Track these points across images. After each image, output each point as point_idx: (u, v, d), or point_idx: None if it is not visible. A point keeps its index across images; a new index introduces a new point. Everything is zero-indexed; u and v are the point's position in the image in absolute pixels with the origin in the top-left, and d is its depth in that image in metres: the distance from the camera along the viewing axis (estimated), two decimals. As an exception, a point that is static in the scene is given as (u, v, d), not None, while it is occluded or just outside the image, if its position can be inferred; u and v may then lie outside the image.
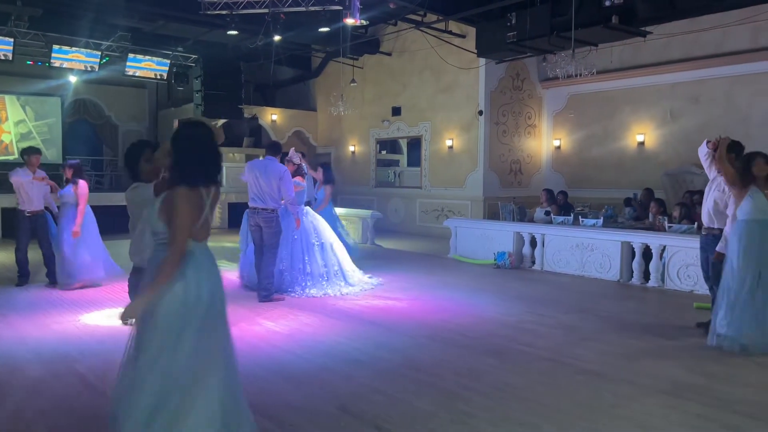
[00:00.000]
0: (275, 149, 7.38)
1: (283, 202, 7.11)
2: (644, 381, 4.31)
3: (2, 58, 13.15)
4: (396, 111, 15.82)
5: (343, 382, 4.27)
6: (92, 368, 4.55)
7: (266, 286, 6.96)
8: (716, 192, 5.38)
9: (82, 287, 7.59)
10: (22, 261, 7.86)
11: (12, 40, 13.08)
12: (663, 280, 7.97)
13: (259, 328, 5.73)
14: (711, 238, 5.48)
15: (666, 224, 8.18)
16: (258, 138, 18.49)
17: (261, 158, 7.48)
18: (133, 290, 3.44)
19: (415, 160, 15.85)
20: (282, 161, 7.41)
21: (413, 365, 4.64)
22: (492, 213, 13.41)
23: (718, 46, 11.53)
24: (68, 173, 7.64)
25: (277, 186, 6.92)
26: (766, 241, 4.98)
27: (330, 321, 6.09)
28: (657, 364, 4.71)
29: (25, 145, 16.63)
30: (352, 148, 17.35)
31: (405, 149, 16.63)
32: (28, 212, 7.74)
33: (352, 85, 14.91)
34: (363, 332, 5.64)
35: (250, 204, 7.07)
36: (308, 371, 4.49)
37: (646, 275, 8.16)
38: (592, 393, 4.07)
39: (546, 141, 14.95)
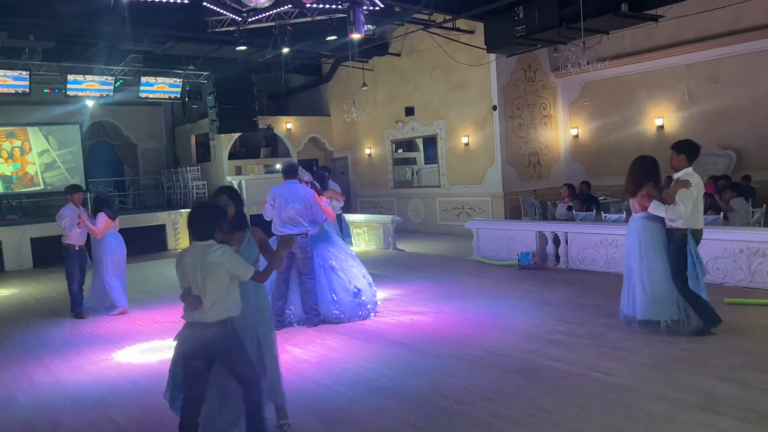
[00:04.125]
0: (293, 171, 7.09)
1: None
2: (677, 395, 4.24)
3: (20, 92, 13.43)
4: (409, 111, 15.77)
5: (373, 416, 4.28)
6: (127, 413, 4.66)
7: (315, 310, 6.94)
8: None
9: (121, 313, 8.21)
10: (76, 293, 8.20)
11: (27, 74, 13.38)
12: (691, 272, 7.79)
13: (287, 357, 5.74)
14: None
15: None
16: (274, 148, 18.59)
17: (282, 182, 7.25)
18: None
19: (431, 156, 15.81)
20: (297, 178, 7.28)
21: (441, 392, 4.63)
22: (513, 208, 13.33)
23: (734, 22, 11.26)
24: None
25: (310, 207, 6.84)
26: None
27: (356, 344, 6.12)
28: (689, 374, 4.63)
29: (50, 175, 17.07)
30: (368, 151, 17.35)
31: (421, 146, 16.58)
32: (78, 247, 8.15)
33: (363, 89, 14.89)
34: (389, 355, 5.65)
35: (281, 230, 6.78)
36: (338, 405, 4.52)
37: (674, 268, 7.98)
38: (625, 413, 4.03)
39: (563, 130, 14.77)
